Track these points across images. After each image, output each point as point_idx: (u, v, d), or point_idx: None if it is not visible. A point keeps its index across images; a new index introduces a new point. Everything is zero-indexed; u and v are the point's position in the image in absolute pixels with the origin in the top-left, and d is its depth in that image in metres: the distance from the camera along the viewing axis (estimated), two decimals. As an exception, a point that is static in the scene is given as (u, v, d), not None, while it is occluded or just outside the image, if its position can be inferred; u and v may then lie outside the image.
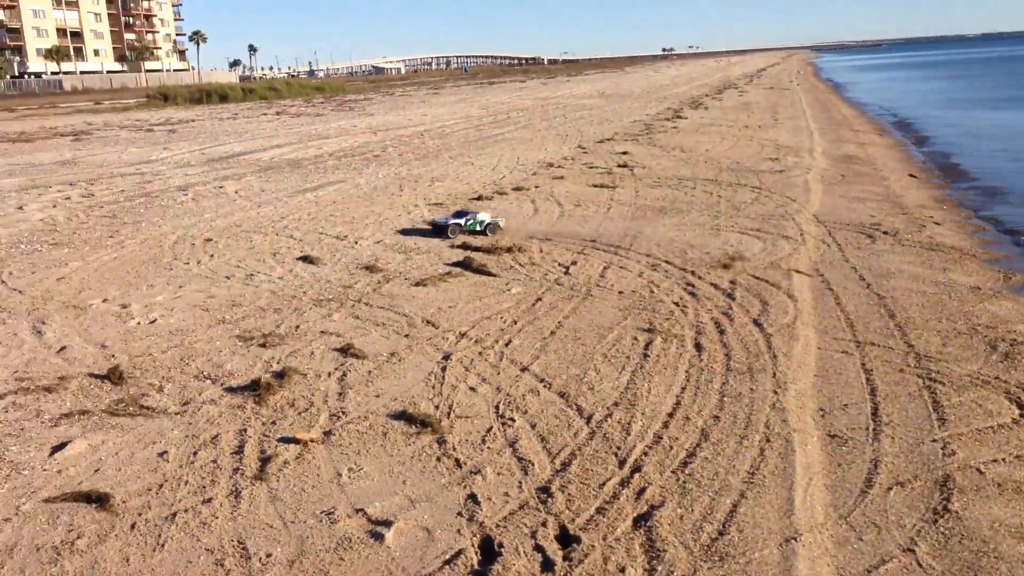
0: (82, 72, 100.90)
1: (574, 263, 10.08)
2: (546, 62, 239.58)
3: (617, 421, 5.89)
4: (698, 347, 7.19)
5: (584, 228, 12.03)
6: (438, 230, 11.75)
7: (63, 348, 7.41)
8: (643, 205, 13.70)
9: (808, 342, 7.30)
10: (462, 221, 11.67)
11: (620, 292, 8.84)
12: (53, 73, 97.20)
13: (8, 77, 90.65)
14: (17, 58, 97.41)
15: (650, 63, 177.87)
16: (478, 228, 11.67)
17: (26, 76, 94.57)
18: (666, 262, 10.00)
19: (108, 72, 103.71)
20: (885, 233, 11.50)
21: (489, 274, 9.70)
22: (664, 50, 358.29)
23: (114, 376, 6.74)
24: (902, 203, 14.19)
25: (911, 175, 17.86)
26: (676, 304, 8.37)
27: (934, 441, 5.53)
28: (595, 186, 15.65)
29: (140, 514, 4.83)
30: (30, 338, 7.66)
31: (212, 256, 10.68)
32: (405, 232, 11.92)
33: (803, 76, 72.04)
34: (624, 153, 20.22)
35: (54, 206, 13.88)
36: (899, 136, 26.94)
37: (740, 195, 14.41)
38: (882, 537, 4.52)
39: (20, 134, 23.67)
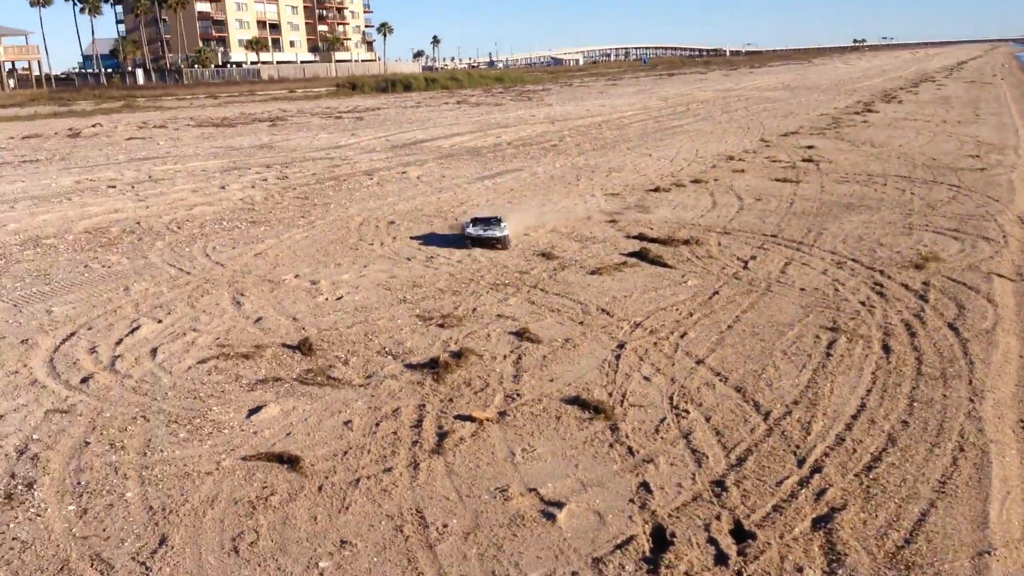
0: (278, 62, 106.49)
1: (753, 258, 9.84)
2: (728, 54, 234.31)
3: (796, 420, 5.72)
4: (886, 349, 6.88)
5: (765, 223, 11.72)
6: (476, 241, 10.39)
7: (259, 319, 7.87)
8: (829, 201, 13.21)
9: (1009, 350, 6.85)
10: (489, 232, 10.33)
11: (802, 289, 8.57)
12: (252, 63, 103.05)
13: (213, 66, 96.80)
14: (221, 48, 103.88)
15: (839, 55, 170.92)
16: (498, 234, 10.33)
17: (228, 65, 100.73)
18: (852, 260, 9.61)
19: (302, 62, 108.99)
20: (1099, 238, 10.64)
21: (665, 265, 9.61)
22: (855, 41, 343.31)
23: (304, 347, 7.10)
24: (1119, 206, 13.09)
25: None
26: (862, 304, 8.03)
27: None
28: (777, 180, 15.22)
29: (327, 477, 5.07)
30: (230, 308, 8.16)
31: (395, 238, 11.06)
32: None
33: (1008, 70, 67.42)
34: (809, 147, 19.54)
35: (252, 187, 14.72)
36: (1117, 135, 24.82)
37: (936, 193, 13.66)
38: (1088, 560, 4.21)
39: (223, 119, 25.26)
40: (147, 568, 4.18)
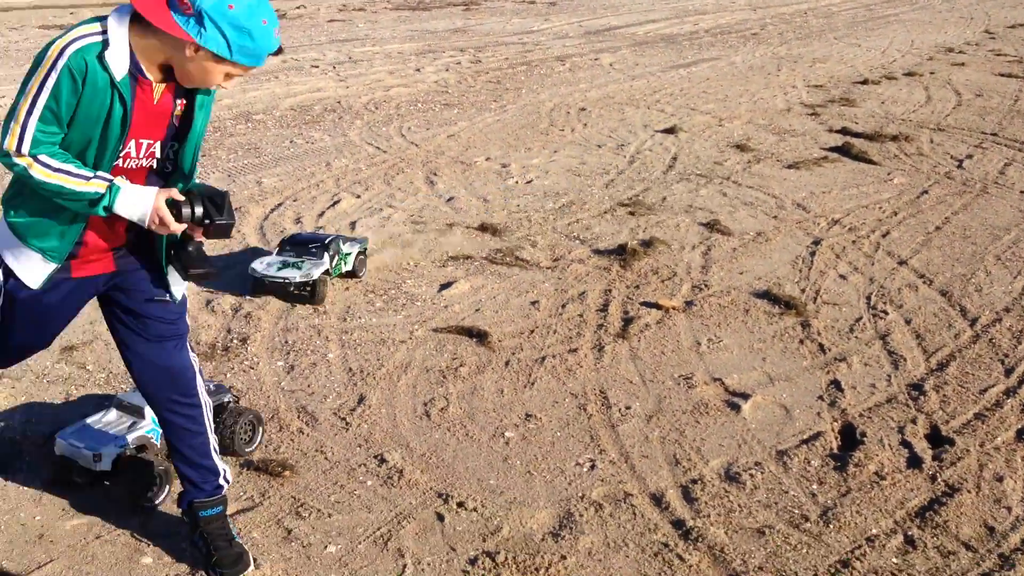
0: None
1: (969, 156, 9.17)
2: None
3: (1007, 328, 5.38)
4: (1115, 260, 6.32)
5: (984, 120, 10.85)
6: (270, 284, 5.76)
7: (451, 198, 8.04)
8: (1059, 99, 12.06)
9: None
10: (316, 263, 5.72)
11: (1022, 192, 7.93)
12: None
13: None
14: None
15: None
16: (343, 269, 5.98)
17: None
18: (1083, 163, 8.79)
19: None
20: None
21: (870, 162, 9.10)
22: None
23: (493, 228, 7.21)
24: None
25: None
26: (1091, 210, 7.37)
27: None
28: (1001, 75, 13.99)
29: (513, 353, 5.21)
30: (424, 187, 8.38)
31: (585, 125, 10.96)
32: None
33: None
34: (1040, 40, 17.80)
35: (446, 70, 14.87)
36: None
37: None
38: None
39: (419, 3, 25.47)
40: (347, 423, 4.46)
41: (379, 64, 15.32)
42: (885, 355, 5.13)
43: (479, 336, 5.38)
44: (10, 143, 2.84)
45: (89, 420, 3.83)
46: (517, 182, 8.58)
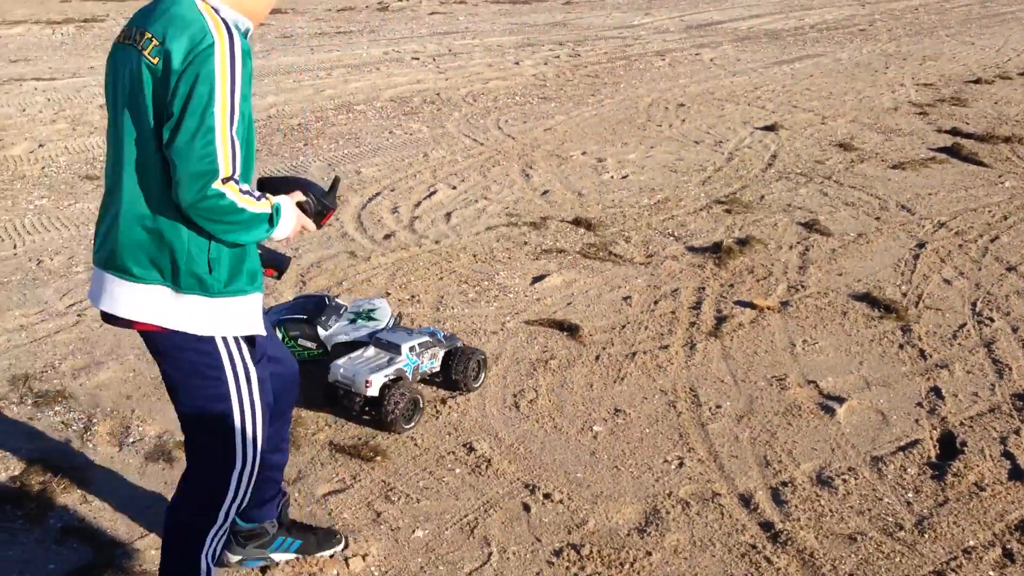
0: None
1: (1088, 160, 8.77)
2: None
3: (1123, 340, 5.14)
4: None
5: (1106, 122, 10.35)
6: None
7: (546, 192, 8.06)
8: None
9: None
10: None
11: None
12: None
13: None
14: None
15: None
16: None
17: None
18: None
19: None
20: None
21: (980, 163, 8.78)
22: None
23: (587, 222, 7.21)
24: None
25: None
26: None
27: None
28: None
29: (604, 348, 5.20)
30: (519, 179, 8.42)
31: (683, 120, 10.84)
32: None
33: None
34: None
35: (545, 63, 14.89)
36: None
37: None
38: None
39: (519, -4, 25.55)
40: (437, 411, 4.53)
41: (478, 57, 15.44)
42: (989, 363, 4.96)
43: (570, 330, 5.39)
44: (226, 168, 2.40)
45: (352, 356, 4.45)
46: (613, 177, 8.55)
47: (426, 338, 4.61)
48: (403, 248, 6.70)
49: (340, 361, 4.40)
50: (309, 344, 4.76)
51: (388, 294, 5.88)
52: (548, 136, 10.07)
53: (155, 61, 2.39)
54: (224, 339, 2.66)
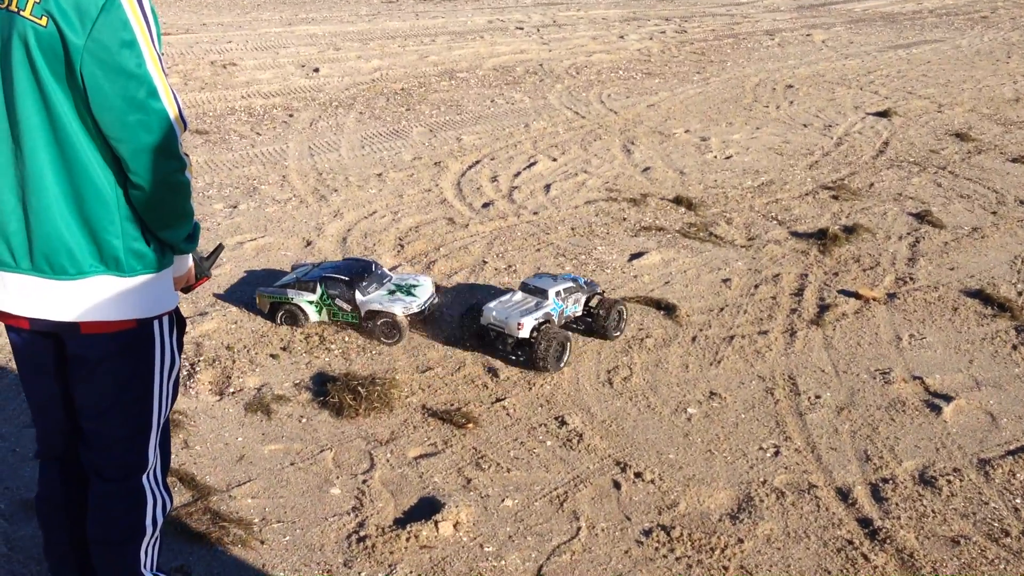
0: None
1: None
2: None
3: None
4: None
5: None
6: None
7: (647, 168, 7.95)
8: None
9: None
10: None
11: None
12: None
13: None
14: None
15: None
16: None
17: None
18: None
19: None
20: None
21: (1108, 161, 8.34)
22: None
23: (688, 201, 7.08)
24: None
25: None
26: None
27: None
28: None
29: (701, 330, 5.11)
30: (620, 155, 8.32)
31: (791, 103, 10.56)
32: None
33: None
34: None
35: (650, 38, 14.67)
36: None
37: None
38: None
39: (626, -31, 25.21)
40: (530, 383, 4.52)
41: (583, 29, 15.29)
42: (1111, 371, 4.72)
43: (667, 309, 5.31)
44: (177, 117, 2.22)
45: (501, 299, 4.77)
46: (716, 156, 8.38)
47: (570, 284, 4.88)
48: (501, 217, 6.69)
49: (491, 304, 4.70)
50: (345, 305, 4.87)
51: (485, 262, 5.88)
52: (651, 112, 9.93)
53: (42, 22, 2.06)
54: (159, 321, 2.41)
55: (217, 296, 5.31)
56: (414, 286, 4.98)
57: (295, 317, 4.94)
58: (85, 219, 2.20)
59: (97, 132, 2.15)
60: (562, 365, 4.57)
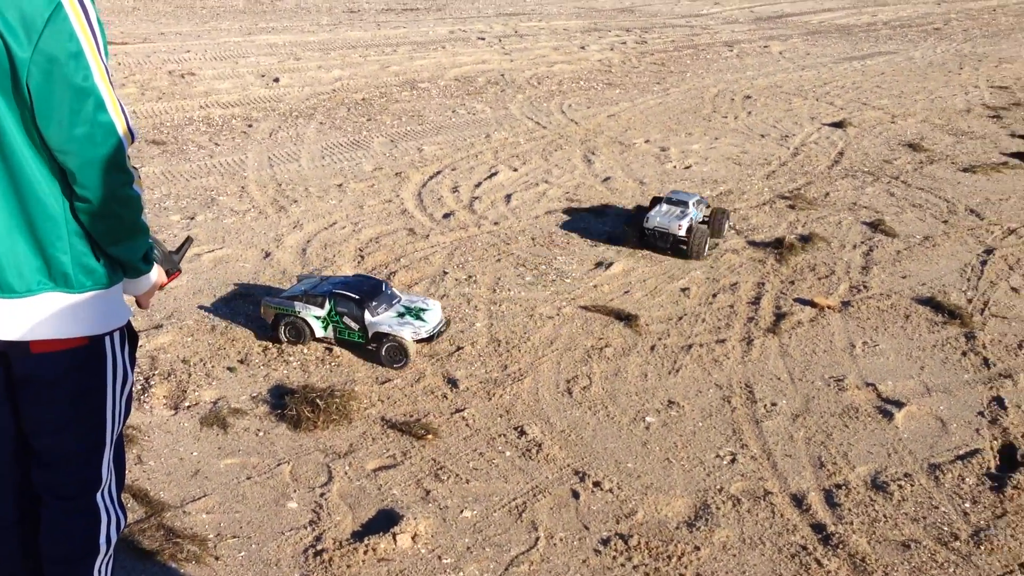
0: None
1: None
2: None
3: None
4: None
5: None
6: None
7: (607, 178, 8.01)
8: None
9: None
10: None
11: None
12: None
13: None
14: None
15: None
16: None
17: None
18: None
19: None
20: None
21: (1055, 170, 8.53)
22: None
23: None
24: None
25: None
26: None
27: None
28: None
29: (660, 339, 5.16)
30: (581, 165, 8.37)
31: (749, 113, 10.69)
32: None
33: None
34: None
35: (611, 49, 14.77)
36: None
37: None
38: None
39: (587, -20, 25.40)
40: (489, 393, 4.53)
41: (544, 40, 15.36)
42: (1057, 376, 4.83)
43: (627, 319, 5.36)
44: (125, 129, 2.18)
45: (657, 210, 6.42)
46: (675, 166, 8.46)
47: (698, 198, 6.59)
48: (462, 228, 6.71)
49: (652, 213, 6.37)
50: (353, 324, 4.80)
51: (446, 273, 5.89)
52: (611, 122, 10.00)
53: None
54: (111, 337, 2.37)
55: (173, 309, 5.27)
56: (423, 310, 4.90)
57: (299, 331, 4.85)
58: (32, 235, 2.16)
59: (43, 146, 2.12)
60: (709, 253, 6.32)
